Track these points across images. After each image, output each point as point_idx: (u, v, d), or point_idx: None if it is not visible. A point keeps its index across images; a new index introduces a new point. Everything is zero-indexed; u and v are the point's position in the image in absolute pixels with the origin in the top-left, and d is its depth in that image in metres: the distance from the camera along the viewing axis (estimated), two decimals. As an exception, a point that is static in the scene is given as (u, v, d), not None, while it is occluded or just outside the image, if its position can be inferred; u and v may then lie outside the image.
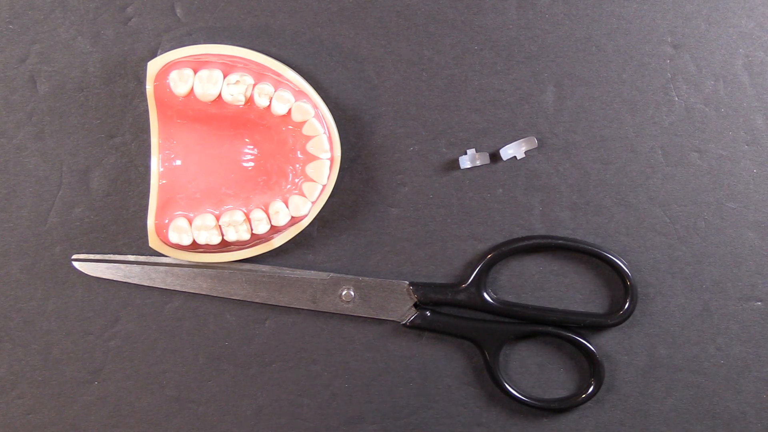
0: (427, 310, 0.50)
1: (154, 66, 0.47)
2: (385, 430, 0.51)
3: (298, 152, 0.48)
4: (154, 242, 0.48)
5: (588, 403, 0.51)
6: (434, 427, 0.51)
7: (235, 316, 0.51)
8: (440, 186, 0.50)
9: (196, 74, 0.46)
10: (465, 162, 0.49)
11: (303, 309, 0.50)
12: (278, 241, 0.49)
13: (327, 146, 0.47)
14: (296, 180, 0.48)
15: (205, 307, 0.51)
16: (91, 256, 0.50)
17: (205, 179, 0.49)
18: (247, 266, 0.50)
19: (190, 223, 0.47)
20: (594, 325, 0.50)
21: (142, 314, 0.51)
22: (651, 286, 0.50)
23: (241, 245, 0.49)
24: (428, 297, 0.49)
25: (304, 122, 0.47)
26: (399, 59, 0.50)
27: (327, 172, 0.47)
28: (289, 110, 0.47)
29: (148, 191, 0.50)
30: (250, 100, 0.47)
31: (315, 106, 0.47)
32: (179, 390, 0.51)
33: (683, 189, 0.50)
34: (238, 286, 0.50)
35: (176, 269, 0.50)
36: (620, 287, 0.50)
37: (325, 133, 0.47)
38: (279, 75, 0.48)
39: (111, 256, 0.50)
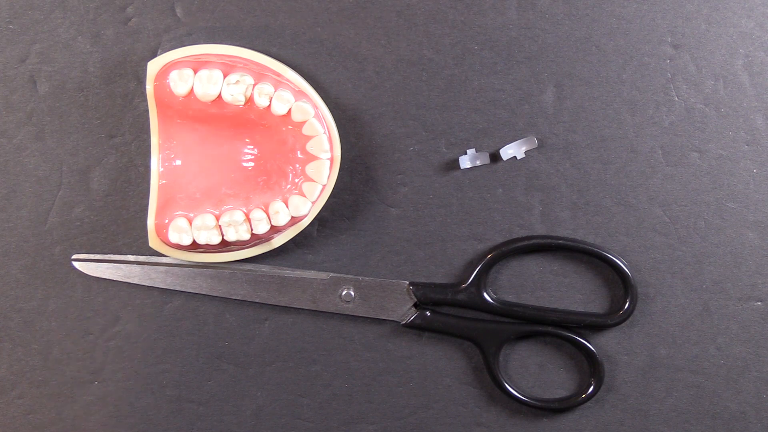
0: (427, 310, 0.50)
1: (154, 66, 0.47)
2: (385, 430, 0.51)
3: (298, 152, 0.48)
4: (154, 242, 0.48)
5: (588, 403, 0.51)
6: (434, 427, 0.51)
7: (235, 316, 0.51)
8: (440, 186, 0.50)
9: (196, 74, 0.46)
10: (465, 162, 0.49)
11: (303, 309, 0.50)
12: (278, 241, 0.49)
13: (327, 146, 0.47)
14: (296, 180, 0.48)
15: (205, 307, 0.51)
16: (91, 256, 0.50)
17: (205, 179, 0.49)
18: (247, 266, 0.50)
19: (190, 223, 0.47)
20: (594, 325, 0.50)
21: (142, 314, 0.51)
22: (651, 286, 0.50)
23: (241, 245, 0.49)
24: (428, 297, 0.49)
25: (304, 122, 0.47)
26: (399, 59, 0.50)
27: (327, 172, 0.47)
28: (289, 110, 0.47)
29: (148, 191, 0.50)
30: (250, 100, 0.47)
31: (315, 106, 0.47)
32: (179, 390, 0.51)
33: (683, 189, 0.50)
34: (238, 286, 0.50)
35: (176, 269, 0.50)
36: (620, 287, 0.50)
37: (325, 133, 0.47)
38: (279, 75, 0.48)
39: (111, 256, 0.50)
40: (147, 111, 0.50)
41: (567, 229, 0.50)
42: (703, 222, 0.50)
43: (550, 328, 0.50)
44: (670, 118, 0.50)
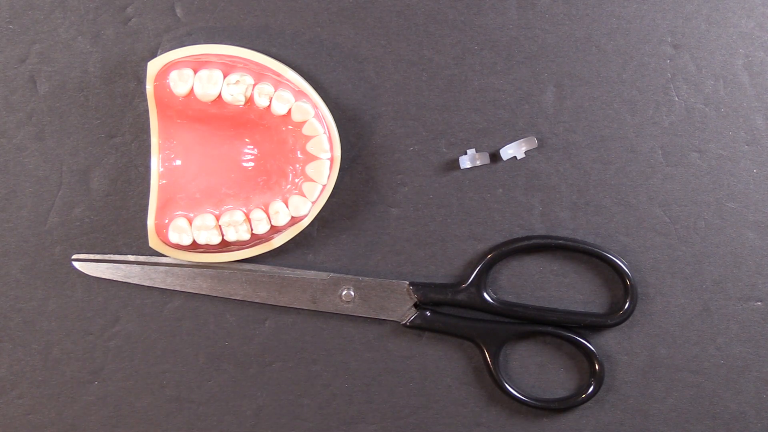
0: (427, 310, 0.50)
1: (154, 66, 0.47)
2: (385, 430, 0.51)
3: (298, 152, 0.48)
4: (154, 242, 0.48)
5: (588, 403, 0.51)
6: (434, 427, 0.51)
7: (235, 316, 0.51)
8: (440, 186, 0.50)
9: (196, 74, 0.46)
10: (465, 162, 0.49)
11: (303, 309, 0.50)
12: (278, 241, 0.49)
13: (327, 146, 0.47)
14: (296, 180, 0.48)
15: (205, 307, 0.51)
16: (91, 256, 0.50)
17: (205, 179, 0.49)
18: (247, 266, 0.50)
19: (190, 223, 0.47)
20: (594, 325, 0.50)
21: (142, 314, 0.51)
22: (651, 286, 0.50)
23: (241, 245, 0.49)
24: (428, 297, 0.49)
25: (304, 122, 0.47)
26: (399, 59, 0.50)
27: (327, 172, 0.47)
28: (289, 110, 0.47)
29: (148, 191, 0.50)
30: (250, 100, 0.47)
31: (315, 106, 0.47)
32: (179, 390, 0.51)
33: (683, 189, 0.50)
34: (238, 286, 0.50)
35: (176, 269, 0.50)
36: (620, 287, 0.50)
37: (325, 133, 0.47)
38: (279, 75, 0.48)
39: (111, 256, 0.50)
40: (147, 111, 0.50)
41: (567, 229, 0.50)
42: (703, 222, 0.50)
43: (550, 328, 0.50)
44: (670, 118, 0.50)
